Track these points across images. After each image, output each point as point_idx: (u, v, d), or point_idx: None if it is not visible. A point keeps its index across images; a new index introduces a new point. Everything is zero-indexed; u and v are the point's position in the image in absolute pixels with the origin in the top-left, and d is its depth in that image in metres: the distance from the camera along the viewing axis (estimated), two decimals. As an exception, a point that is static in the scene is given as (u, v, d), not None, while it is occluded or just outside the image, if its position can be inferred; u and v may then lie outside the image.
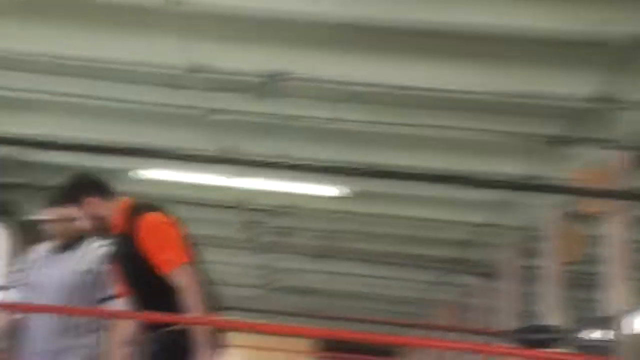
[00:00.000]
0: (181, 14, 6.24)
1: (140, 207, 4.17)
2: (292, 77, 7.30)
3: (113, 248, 4.20)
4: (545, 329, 6.83)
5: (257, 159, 9.15)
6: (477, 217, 11.55)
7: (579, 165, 8.40)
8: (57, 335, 4.54)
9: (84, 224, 4.14)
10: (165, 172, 10.82)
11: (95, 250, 4.62)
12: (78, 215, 4.13)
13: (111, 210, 4.13)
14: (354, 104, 8.06)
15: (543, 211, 10.41)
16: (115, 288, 4.27)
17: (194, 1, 6.16)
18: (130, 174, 10.57)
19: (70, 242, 4.64)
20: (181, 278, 3.93)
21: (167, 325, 4.00)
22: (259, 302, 19.00)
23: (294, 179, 10.40)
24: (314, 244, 14.17)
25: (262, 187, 11.14)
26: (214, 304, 4.19)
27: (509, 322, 11.67)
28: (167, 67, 7.38)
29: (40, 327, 4.54)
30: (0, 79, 8.21)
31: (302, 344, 18.64)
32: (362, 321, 15.43)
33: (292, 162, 8.94)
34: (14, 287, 4.73)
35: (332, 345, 19.39)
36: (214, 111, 8.38)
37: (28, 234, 14.62)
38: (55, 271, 4.59)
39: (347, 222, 12.55)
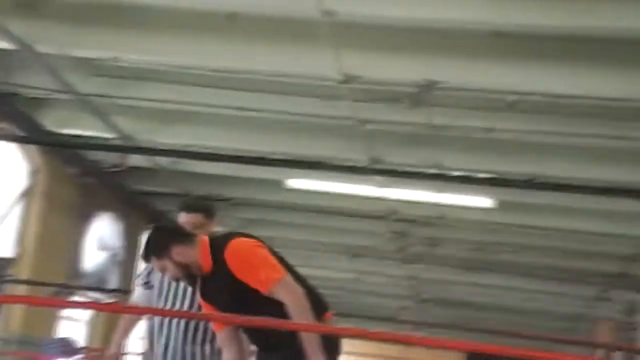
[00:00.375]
0: (333, 25, 6.20)
1: (220, 239, 4.15)
2: (444, 86, 7.13)
3: (207, 286, 4.18)
4: None
5: (408, 169, 9.04)
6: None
7: None
8: (182, 342, 4.72)
9: (176, 273, 4.10)
10: (316, 183, 10.89)
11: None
12: (165, 266, 4.11)
13: (196, 253, 4.09)
14: (506, 112, 7.77)
15: None
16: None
17: (347, 12, 6.10)
18: (285, 183, 10.68)
19: None
20: (283, 293, 3.90)
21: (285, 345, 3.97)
22: (407, 313, 18.87)
23: (444, 189, 10.23)
24: (464, 256, 13.91)
25: (412, 198, 11.02)
26: (322, 309, 4.13)
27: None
28: (320, 78, 7.38)
29: (167, 331, 4.76)
30: (153, 92, 8.46)
31: (450, 356, 18.34)
32: (513, 335, 15.03)
33: (443, 172, 8.77)
34: (149, 288, 4.95)
35: (478, 358, 19.02)
36: (365, 121, 8.31)
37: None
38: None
39: (498, 233, 12.20)
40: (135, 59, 7.68)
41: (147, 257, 4.15)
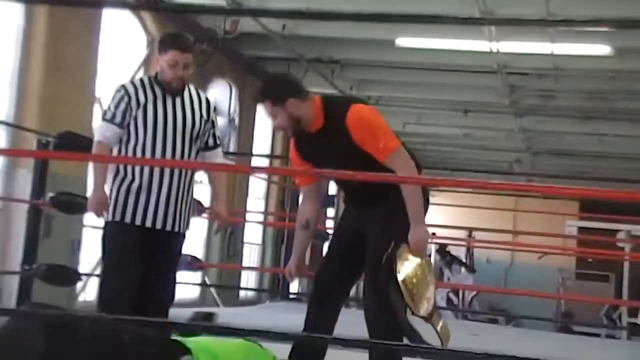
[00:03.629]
0: None
1: (338, 102, 4.23)
2: None
3: (310, 144, 4.28)
4: None
5: (519, 19, 8.83)
6: None
7: None
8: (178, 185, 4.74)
9: (284, 123, 4.20)
10: (426, 40, 10.77)
11: (206, 100, 4.87)
12: (276, 113, 4.19)
13: (309, 109, 4.17)
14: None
15: None
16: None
17: None
18: (395, 42, 10.60)
19: (179, 87, 4.76)
20: (399, 162, 4.04)
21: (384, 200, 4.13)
22: (521, 166, 18.77)
23: (557, 39, 9.96)
24: (579, 106, 13.64)
25: (524, 50, 10.80)
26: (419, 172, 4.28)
27: None
28: None
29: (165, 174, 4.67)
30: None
31: (565, 206, 18.25)
32: (627, 181, 14.75)
33: (555, 19, 8.54)
34: (119, 122, 4.66)
35: (598, 207, 18.88)
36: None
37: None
38: (177, 114, 4.71)
39: (615, 81, 11.89)
40: None
41: (262, 100, 4.24)
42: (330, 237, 4.72)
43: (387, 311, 4.00)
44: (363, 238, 4.27)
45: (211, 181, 5.05)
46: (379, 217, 4.21)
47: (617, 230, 16.47)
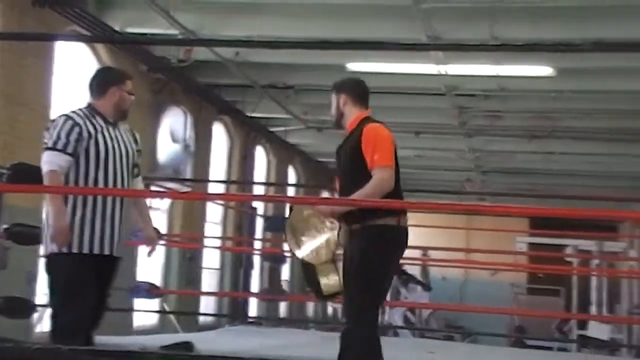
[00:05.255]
0: None
1: (365, 120, 4.64)
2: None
3: (342, 145, 4.72)
4: None
5: (465, 43, 8.93)
6: None
7: None
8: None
9: (333, 110, 4.71)
10: (376, 64, 10.84)
11: (131, 130, 4.98)
12: (333, 101, 4.69)
13: (353, 113, 4.67)
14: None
15: None
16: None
17: None
18: (346, 67, 10.67)
19: (118, 120, 4.86)
20: (377, 177, 4.41)
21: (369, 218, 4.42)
22: (472, 185, 18.95)
23: (503, 61, 10.09)
24: (526, 125, 13.82)
25: (471, 72, 10.93)
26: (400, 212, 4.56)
27: None
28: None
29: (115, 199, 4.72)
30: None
31: (514, 223, 18.44)
32: (581, 198, 14.97)
33: (500, 43, 8.66)
34: (71, 152, 4.62)
35: (546, 223, 19.10)
36: (421, 0, 8.22)
37: (249, 129, 15.31)
38: (120, 145, 4.80)
39: (559, 101, 12.08)
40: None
41: (332, 88, 4.74)
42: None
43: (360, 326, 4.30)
44: None
45: (140, 206, 5.04)
46: (354, 249, 4.48)
47: (565, 245, 16.70)
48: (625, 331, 14.97)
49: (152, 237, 5.03)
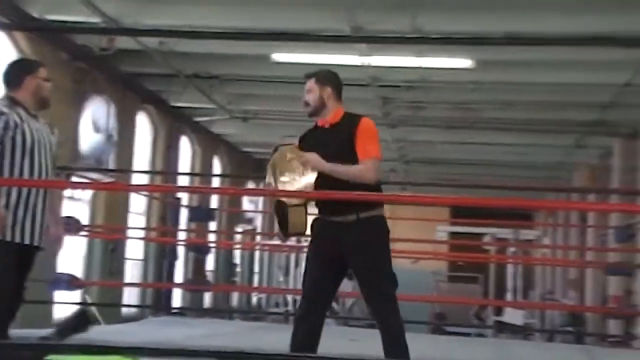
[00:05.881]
0: None
1: (353, 114, 4.76)
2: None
3: (317, 138, 4.75)
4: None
5: (389, 35, 8.96)
6: (619, 78, 10.95)
7: None
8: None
9: (312, 99, 4.72)
10: (301, 55, 10.81)
11: (52, 128, 4.95)
12: (314, 90, 4.71)
13: (333, 107, 4.73)
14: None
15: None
16: None
17: None
18: (271, 58, 10.62)
19: (40, 108, 4.86)
20: (367, 165, 4.56)
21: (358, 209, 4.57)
22: (395, 175, 19.11)
23: (424, 53, 10.18)
24: (447, 116, 13.98)
25: (393, 64, 10.99)
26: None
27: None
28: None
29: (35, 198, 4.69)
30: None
31: (436, 212, 18.68)
32: (499, 188, 15.26)
33: (423, 35, 8.72)
34: None
35: (466, 212, 19.42)
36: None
37: (173, 119, 15.11)
38: (44, 137, 4.78)
39: (479, 92, 12.26)
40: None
41: (310, 75, 4.77)
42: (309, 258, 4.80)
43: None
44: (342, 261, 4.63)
45: (52, 204, 4.94)
46: (358, 244, 4.56)
47: (484, 234, 17.03)
48: (538, 316, 15.36)
49: (59, 237, 5.00)
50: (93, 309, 10.63)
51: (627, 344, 10.82)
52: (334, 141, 4.63)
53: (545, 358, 7.95)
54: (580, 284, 16.36)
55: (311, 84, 4.74)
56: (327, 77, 4.77)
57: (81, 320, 5.81)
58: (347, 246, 4.52)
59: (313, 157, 4.56)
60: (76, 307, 6.95)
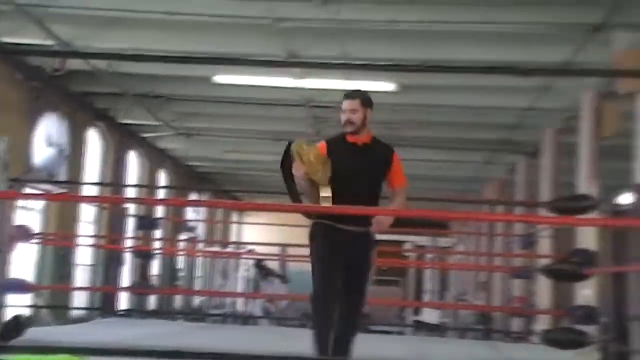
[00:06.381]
0: None
1: (380, 140, 4.89)
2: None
3: (350, 151, 4.81)
4: (582, 198, 6.54)
5: (321, 61, 8.99)
6: (523, 102, 11.22)
7: (619, 48, 7.97)
8: None
9: (354, 119, 4.73)
10: (240, 77, 10.77)
11: None
12: (359, 110, 4.74)
13: (366, 126, 4.81)
14: (406, 5, 7.79)
15: (582, 93, 10.08)
16: None
17: None
18: (212, 79, 10.53)
19: None
20: (402, 195, 4.84)
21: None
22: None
23: (352, 77, 10.23)
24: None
25: (324, 86, 11.01)
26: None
27: (551, 194, 11.51)
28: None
29: None
30: (88, 0, 8.24)
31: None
32: (418, 199, 15.30)
33: (350, 62, 8.78)
34: None
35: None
36: (281, 19, 8.22)
37: (122, 135, 14.86)
38: None
39: (402, 113, 12.39)
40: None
41: (356, 96, 4.78)
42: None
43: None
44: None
45: None
46: (365, 253, 4.78)
47: (404, 242, 17.16)
48: (451, 315, 15.52)
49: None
50: (43, 311, 10.34)
51: (527, 339, 11.01)
52: (368, 160, 4.76)
53: (458, 353, 8.04)
54: (488, 286, 16.60)
55: (357, 104, 4.74)
56: (370, 100, 4.83)
57: (15, 325, 5.63)
58: (356, 253, 4.67)
59: (387, 222, 4.65)
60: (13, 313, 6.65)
